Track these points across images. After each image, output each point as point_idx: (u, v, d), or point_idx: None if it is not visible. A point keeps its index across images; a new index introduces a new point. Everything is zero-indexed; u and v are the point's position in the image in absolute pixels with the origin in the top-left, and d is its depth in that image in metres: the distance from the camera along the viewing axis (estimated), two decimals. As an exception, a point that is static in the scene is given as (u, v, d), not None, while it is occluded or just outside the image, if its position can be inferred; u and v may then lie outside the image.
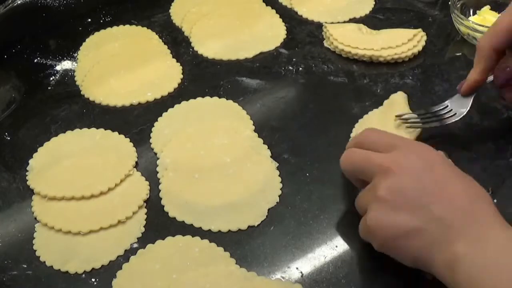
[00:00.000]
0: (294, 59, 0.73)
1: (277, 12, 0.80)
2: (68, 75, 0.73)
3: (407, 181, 0.46)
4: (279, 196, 0.58)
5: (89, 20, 0.80)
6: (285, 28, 0.78)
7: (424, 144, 0.51)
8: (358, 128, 0.63)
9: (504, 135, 0.63)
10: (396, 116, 0.62)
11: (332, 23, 0.77)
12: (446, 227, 0.44)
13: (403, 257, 0.47)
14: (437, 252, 0.44)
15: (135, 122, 0.66)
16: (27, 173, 0.61)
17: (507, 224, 0.45)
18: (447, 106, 0.62)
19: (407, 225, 0.45)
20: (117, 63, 0.73)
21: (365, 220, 0.48)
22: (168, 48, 0.76)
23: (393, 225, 0.46)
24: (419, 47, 0.73)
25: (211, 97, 0.69)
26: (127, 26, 0.79)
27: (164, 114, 0.67)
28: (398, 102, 0.65)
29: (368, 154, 0.50)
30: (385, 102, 0.66)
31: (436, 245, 0.44)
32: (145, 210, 0.57)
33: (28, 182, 0.60)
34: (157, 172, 0.61)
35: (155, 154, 0.63)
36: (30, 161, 0.62)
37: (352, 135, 0.63)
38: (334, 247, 0.54)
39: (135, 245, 0.55)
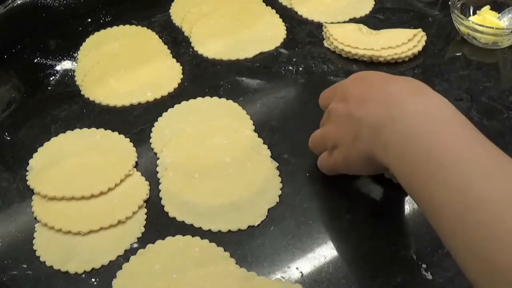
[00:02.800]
0: (294, 59, 0.73)
1: (277, 12, 0.80)
2: (68, 75, 0.73)
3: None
4: (279, 196, 0.58)
5: (89, 20, 0.80)
6: (285, 28, 0.78)
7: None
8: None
9: (504, 135, 0.63)
10: None
11: (332, 23, 0.77)
12: (372, 125, 0.49)
13: (362, 165, 0.53)
14: (374, 146, 0.49)
15: (135, 122, 0.66)
16: (27, 173, 0.61)
17: (420, 89, 0.49)
18: None
19: (349, 138, 0.52)
20: (117, 63, 0.73)
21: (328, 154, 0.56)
22: (168, 48, 0.76)
23: (341, 149, 0.54)
24: (419, 47, 0.73)
25: (211, 97, 0.69)
26: (127, 26, 0.79)
27: (164, 114, 0.67)
28: None
29: (320, 130, 0.58)
30: None
31: (371, 140, 0.49)
32: (145, 210, 0.57)
33: (28, 182, 0.60)
34: (157, 172, 0.61)
35: (155, 154, 0.63)
36: (30, 161, 0.62)
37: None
38: (334, 247, 0.54)
39: (135, 245, 0.55)
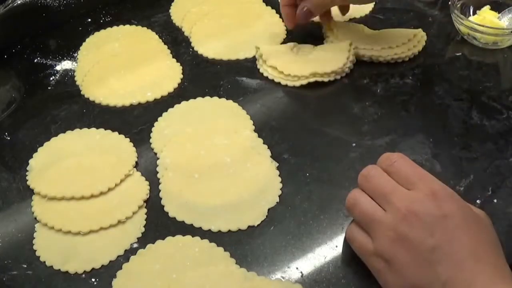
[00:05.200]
0: (294, 59, 0.73)
1: (277, 12, 0.80)
2: (68, 75, 0.73)
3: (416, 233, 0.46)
4: (279, 196, 0.58)
5: (89, 20, 0.80)
6: (285, 28, 0.78)
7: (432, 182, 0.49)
8: None
9: (504, 135, 0.63)
10: None
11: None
12: None
13: None
14: None
15: (135, 122, 0.66)
16: (27, 173, 0.61)
17: (505, 275, 0.45)
18: None
19: (413, 280, 0.45)
20: (117, 63, 0.73)
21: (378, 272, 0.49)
22: (168, 48, 0.76)
23: (400, 277, 0.46)
24: (419, 47, 0.73)
25: (211, 97, 0.69)
26: (127, 26, 0.79)
27: (164, 114, 0.67)
28: None
29: (374, 210, 0.49)
30: None
31: None
32: (145, 210, 0.57)
33: (28, 182, 0.60)
34: (157, 172, 0.61)
35: (155, 154, 0.63)
36: (30, 161, 0.62)
37: None
38: (334, 247, 0.54)
39: (135, 245, 0.55)
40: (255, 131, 0.64)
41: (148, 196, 0.59)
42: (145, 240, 0.55)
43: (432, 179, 0.49)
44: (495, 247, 0.47)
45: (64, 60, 0.75)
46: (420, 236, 0.45)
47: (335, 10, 0.76)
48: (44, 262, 0.54)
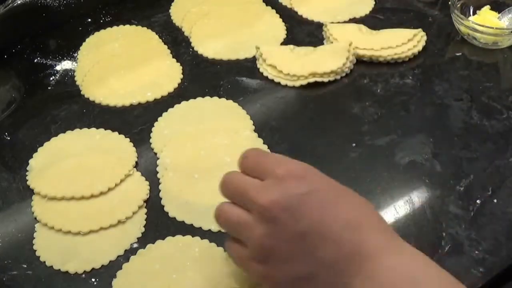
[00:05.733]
0: (294, 59, 0.73)
1: (277, 12, 0.80)
2: (68, 75, 0.73)
3: (285, 225, 0.42)
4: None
5: (89, 20, 0.80)
6: (285, 28, 0.78)
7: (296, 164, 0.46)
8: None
9: (504, 135, 0.63)
10: None
11: (332, 23, 0.77)
12: (337, 271, 0.42)
13: None
14: None
15: (135, 122, 0.66)
16: (27, 173, 0.61)
17: (394, 237, 0.43)
18: None
19: (298, 271, 0.43)
20: (117, 63, 0.73)
21: (249, 273, 0.46)
22: (168, 48, 0.76)
23: (282, 274, 0.43)
24: (419, 47, 0.73)
25: (211, 97, 0.69)
26: (127, 26, 0.79)
27: (164, 114, 0.67)
28: None
29: (237, 214, 0.46)
30: None
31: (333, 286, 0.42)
32: (145, 210, 0.57)
33: (28, 182, 0.60)
34: (157, 172, 0.61)
35: (155, 154, 0.63)
36: (30, 161, 0.62)
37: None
38: (334, 247, 0.54)
39: (135, 245, 0.55)
40: (255, 131, 0.64)
41: (148, 196, 0.58)
42: (145, 240, 0.55)
43: (286, 160, 0.46)
44: (374, 214, 0.44)
45: (64, 60, 0.75)
46: (287, 225, 0.42)
47: (336, 10, 0.76)
48: (44, 262, 0.54)
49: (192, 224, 0.56)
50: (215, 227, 0.55)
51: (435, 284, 0.41)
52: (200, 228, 0.56)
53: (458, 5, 0.74)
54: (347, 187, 0.45)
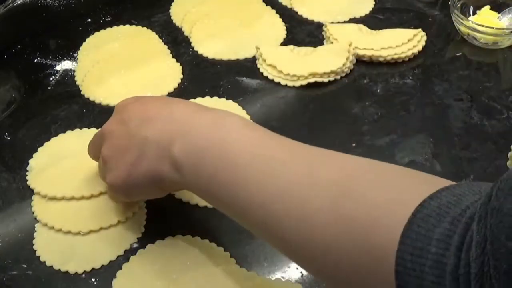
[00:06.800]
0: (294, 59, 0.73)
1: (277, 12, 0.80)
2: (68, 75, 0.73)
3: (118, 130, 0.51)
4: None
5: (89, 20, 0.80)
6: (285, 28, 0.78)
7: None
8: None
9: (504, 135, 0.63)
10: None
11: (332, 23, 0.77)
12: (159, 143, 0.47)
13: (145, 187, 0.50)
14: (162, 164, 0.47)
15: (135, 122, 0.66)
16: (27, 173, 0.61)
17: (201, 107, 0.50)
18: None
19: (131, 158, 0.49)
20: (117, 63, 0.73)
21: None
22: (168, 48, 0.76)
23: (122, 169, 0.50)
24: (419, 47, 0.73)
25: (211, 97, 0.69)
26: (127, 26, 0.79)
27: (164, 114, 0.67)
28: None
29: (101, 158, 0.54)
30: None
31: (159, 159, 0.47)
32: (145, 210, 0.57)
33: (28, 182, 0.60)
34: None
35: (155, 154, 0.63)
36: (30, 161, 0.62)
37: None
38: (334, 247, 0.54)
39: (135, 245, 0.55)
40: (255, 131, 0.64)
41: (148, 196, 0.59)
42: (145, 240, 0.55)
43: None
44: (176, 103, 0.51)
45: (64, 60, 0.75)
46: (116, 138, 0.51)
47: (336, 10, 0.76)
48: (44, 262, 0.54)
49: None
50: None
51: (245, 142, 0.45)
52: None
53: (458, 5, 0.74)
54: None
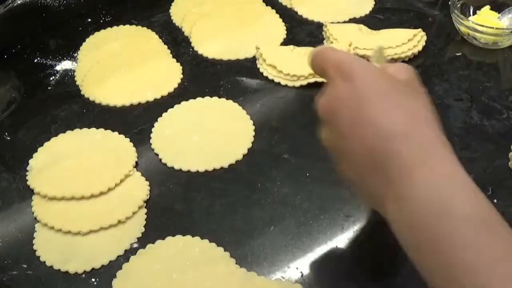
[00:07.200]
0: (294, 59, 0.73)
1: (277, 12, 0.80)
2: (68, 75, 0.73)
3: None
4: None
5: (89, 20, 0.80)
6: (285, 28, 0.78)
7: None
8: None
9: (504, 135, 0.63)
10: None
11: (332, 23, 0.77)
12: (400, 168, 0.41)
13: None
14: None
15: (135, 122, 0.66)
16: (27, 173, 0.61)
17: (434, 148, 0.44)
18: None
19: (362, 164, 0.44)
20: (117, 63, 0.73)
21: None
22: (168, 48, 0.76)
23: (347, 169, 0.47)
24: (419, 47, 0.73)
25: (211, 97, 0.69)
26: (127, 26, 0.79)
27: (164, 114, 0.67)
28: None
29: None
30: None
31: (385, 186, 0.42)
32: (145, 210, 0.57)
33: (28, 182, 0.60)
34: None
35: (155, 154, 0.63)
36: (30, 161, 0.62)
37: None
38: (334, 247, 0.54)
39: (135, 245, 0.55)
40: (255, 131, 0.64)
41: (148, 196, 0.58)
42: (145, 240, 0.55)
43: (341, 58, 0.47)
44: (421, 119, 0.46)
45: (64, 60, 0.75)
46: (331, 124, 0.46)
47: (336, 10, 0.76)
48: (44, 262, 0.54)
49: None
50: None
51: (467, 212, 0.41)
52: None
53: (458, 5, 0.74)
54: (401, 88, 0.47)
